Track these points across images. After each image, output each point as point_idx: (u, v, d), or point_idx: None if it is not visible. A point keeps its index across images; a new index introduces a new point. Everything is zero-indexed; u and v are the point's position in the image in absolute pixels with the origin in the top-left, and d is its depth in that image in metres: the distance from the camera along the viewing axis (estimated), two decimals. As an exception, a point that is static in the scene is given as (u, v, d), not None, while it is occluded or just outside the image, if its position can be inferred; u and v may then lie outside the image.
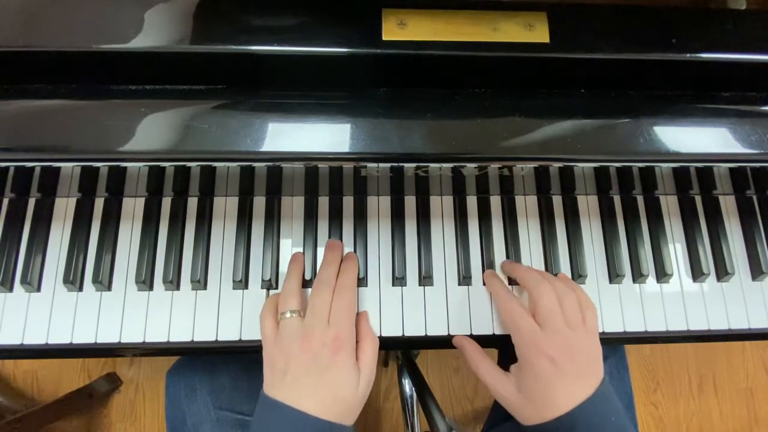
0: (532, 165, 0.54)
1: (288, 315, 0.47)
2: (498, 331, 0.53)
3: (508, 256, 0.56)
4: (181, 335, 0.52)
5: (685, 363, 1.34)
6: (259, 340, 0.49)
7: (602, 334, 0.53)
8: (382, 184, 0.56)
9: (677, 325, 0.55)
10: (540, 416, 0.44)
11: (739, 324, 0.55)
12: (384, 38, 0.41)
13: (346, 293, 0.49)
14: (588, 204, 0.58)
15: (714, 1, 0.45)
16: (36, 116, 0.42)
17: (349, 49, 0.41)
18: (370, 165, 0.51)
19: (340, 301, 0.48)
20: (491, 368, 0.49)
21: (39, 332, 0.51)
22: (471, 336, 0.53)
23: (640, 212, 0.58)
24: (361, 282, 0.54)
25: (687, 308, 0.55)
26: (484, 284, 0.55)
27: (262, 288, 0.54)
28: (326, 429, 0.43)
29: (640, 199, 0.59)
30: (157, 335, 0.52)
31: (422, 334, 0.53)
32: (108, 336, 0.52)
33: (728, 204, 0.60)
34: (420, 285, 0.55)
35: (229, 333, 0.52)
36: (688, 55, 0.42)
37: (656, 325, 0.55)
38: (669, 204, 0.59)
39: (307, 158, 0.43)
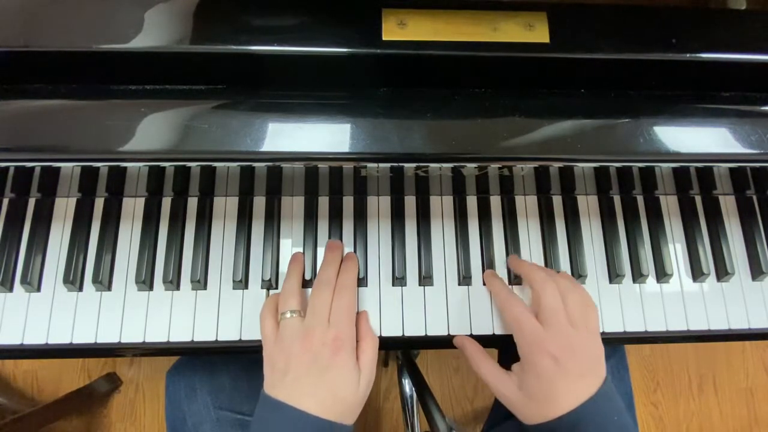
0: (532, 165, 0.54)
1: (288, 315, 0.47)
2: (498, 331, 0.53)
3: (508, 256, 0.56)
4: (181, 335, 0.52)
5: (685, 363, 1.34)
6: (259, 340, 0.49)
7: (602, 334, 0.53)
8: (382, 184, 0.56)
9: (677, 325, 0.55)
10: (542, 415, 0.44)
11: (739, 324, 0.55)
12: (384, 38, 0.41)
13: (346, 293, 0.49)
14: (588, 204, 0.58)
15: (714, 1, 0.45)
16: (36, 116, 0.42)
17: (349, 49, 0.41)
18: (370, 165, 0.51)
19: (340, 301, 0.48)
20: (492, 367, 0.49)
21: (39, 332, 0.51)
22: (471, 336, 0.53)
23: (640, 212, 0.58)
24: (361, 282, 0.54)
25: (687, 308, 0.56)
26: (484, 284, 0.55)
27: (262, 288, 0.54)
28: (327, 428, 0.43)
29: (640, 199, 0.59)
30: (157, 335, 0.52)
31: (422, 334, 0.53)
32: (108, 336, 0.52)
33: (728, 204, 0.60)
34: (420, 285, 0.55)
35: (229, 333, 0.52)
36: (688, 55, 0.42)
37: (656, 325, 0.55)
38: (669, 204, 0.59)
39: (307, 158, 0.43)
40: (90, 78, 0.43)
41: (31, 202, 0.55)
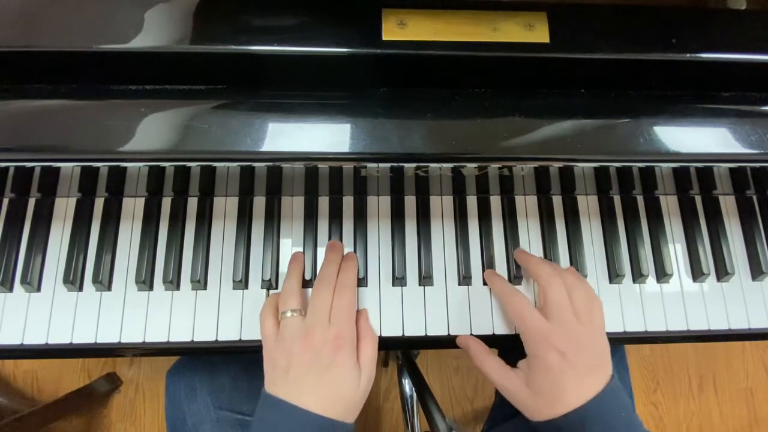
0: (532, 165, 0.54)
1: (289, 314, 0.47)
2: (498, 331, 0.53)
3: (508, 257, 0.56)
4: (181, 335, 0.52)
5: (685, 363, 1.34)
6: (259, 340, 0.49)
7: (602, 334, 0.53)
8: (382, 184, 0.56)
9: (677, 325, 0.55)
10: (550, 412, 0.44)
11: (739, 324, 0.55)
12: (384, 38, 0.41)
13: (347, 292, 0.49)
14: (588, 204, 0.58)
15: (714, 1, 0.45)
16: (36, 116, 0.42)
17: (349, 49, 0.41)
18: (370, 165, 0.51)
19: (341, 300, 0.48)
20: (498, 365, 0.49)
21: (39, 332, 0.51)
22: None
23: (640, 212, 0.58)
24: (361, 282, 0.54)
25: (687, 308, 0.55)
26: (484, 284, 0.55)
27: (262, 288, 0.54)
28: (328, 427, 0.43)
29: (640, 199, 0.59)
30: (157, 335, 0.52)
31: (422, 334, 0.53)
32: (108, 336, 0.52)
33: (728, 204, 0.60)
34: (420, 285, 0.55)
35: (229, 333, 0.52)
36: (688, 55, 0.42)
37: (656, 325, 0.55)
38: (669, 204, 0.59)
39: (307, 158, 0.43)
40: (90, 78, 0.43)
41: (31, 202, 0.55)
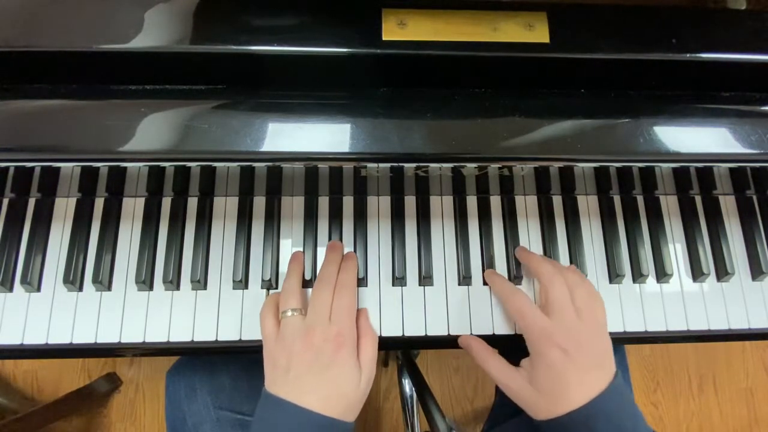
0: (532, 165, 0.54)
1: (289, 313, 0.47)
2: (498, 331, 0.53)
3: (508, 257, 0.56)
4: (181, 335, 0.52)
5: (685, 363, 1.34)
6: (259, 340, 0.49)
7: (602, 334, 0.53)
8: (382, 184, 0.56)
9: (677, 325, 0.55)
10: (553, 409, 0.44)
11: (739, 324, 0.55)
12: (384, 38, 0.41)
13: (347, 292, 0.49)
14: (588, 204, 0.58)
15: (714, 1, 0.45)
16: (36, 116, 0.42)
17: (349, 49, 0.41)
18: (370, 165, 0.51)
19: (341, 299, 0.48)
20: (500, 363, 0.49)
21: (39, 332, 0.51)
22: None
23: (640, 212, 0.58)
24: (361, 282, 0.54)
25: (687, 308, 0.56)
26: (484, 284, 0.55)
27: (262, 288, 0.54)
28: (329, 425, 0.43)
29: (640, 199, 0.59)
30: (157, 335, 0.52)
31: (422, 334, 0.53)
32: (108, 336, 0.52)
33: (728, 204, 0.60)
34: (420, 285, 0.55)
35: (229, 333, 0.52)
36: (688, 55, 0.42)
37: (656, 325, 0.55)
38: (669, 204, 0.59)
39: (307, 158, 0.43)
40: (90, 78, 0.43)
41: (31, 202, 0.55)
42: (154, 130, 0.41)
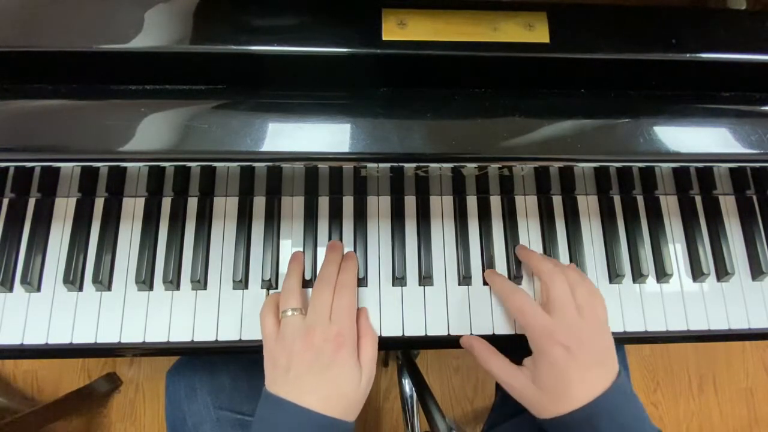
0: (532, 165, 0.54)
1: (289, 313, 0.47)
2: (498, 331, 0.53)
3: (508, 257, 0.56)
4: (181, 335, 0.52)
5: (685, 363, 1.34)
6: (259, 340, 0.49)
7: (602, 334, 0.53)
8: (382, 184, 0.56)
9: (677, 325, 0.55)
10: (556, 408, 0.44)
11: (739, 324, 0.55)
12: (384, 38, 0.41)
13: (347, 291, 0.49)
14: (588, 204, 0.58)
15: (714, 1, 0.45)
16: (36, 116, 0.42)
17: (349, 49, 0.41)
18: (370, 165, 0.51)
19: (341, 299, 0.48)
20: (503, 363, 0.49)
21: (39, 332, 0.51)
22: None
23: (640, 212, 0.58)
24: (361, 282, 0.54)
25: (687, 308, 0.56)
26: (484, 284, 0.55)
27: (262, 288, 0.54)
28: (329, 425, 0.43)
29: (640, 199, 0.59)
30: (157, 335, 0.52)
31: (422, 334, 0.53)
32: (108, 336, 0.52)
33: (728, 204, 0.60)
34: (420, 285, 0.55)
35: (229, 333, 0.52)
36: (688, 55, 0.42)
37: (656, 325, 0.55)
38: (669, 204, 0.59)
39: (307, 158, 0.43)
40: (90, 78, 0.43)
41: (31, 202, 0.55)
42: (154, 130, 0.41)
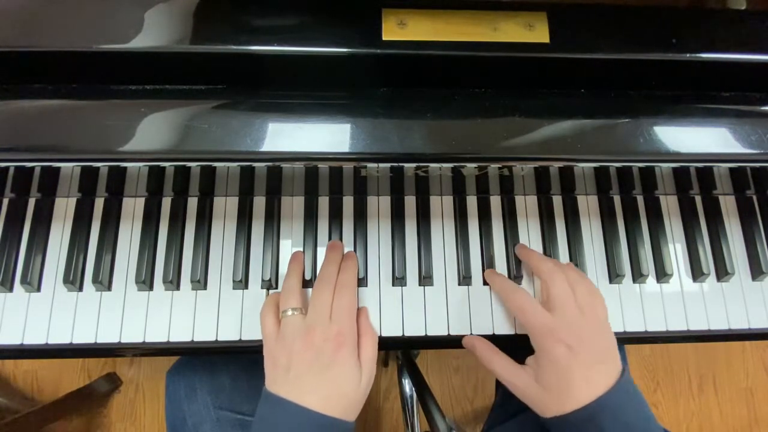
0: (532, 165, 0.54)
1: (290, 312, 0.47)
2: (498, 331, 0.53)
3: (508, 257, 0.56)
4: (181, 335, 0.52)
5: (685, 363, 1.34)
6: (259, 340, 0.49)
7: (602, 334, 0.53)
8: (382, 184, 0.56)
9: (677, 325, 0.55)
10: (560, 407, 0.43)
11: (739, 324, 0.55)
12: (384, 38, 0.41)
13: (347, 291, 0.49)
14: (588, 204, 0.58)
15: (714, 1, 0.45)
16: (36, 116, 0.42)
17: (349, 49, 0.41)
18: (370, 165, 0.51)
19: (341, 299, 0.48)
20: (506, 362, 0.49)
21: (39, 332, 0.51)
22: (471, 336, 0.53)
23: (640, 212, 0.58)
24: (361, 282, 0.54)
25: (687, 308, 0.56)
26: (484, 284, 0.55)
27: (262, 288, 0.54)
28: (329, 425, 0.43)
29: (640, 199, 0.59)
30: (157, 335, 0.52)
31: (422, 334, 0.53)
32: (108, 336, 0.52)
33: (728, 204, 0.60)
34: (420, 285, 0.55)
35: (229, 333, 0.52)
36: (688, 55, 0.42)
37: (656, 325, 0.55)
38: (669, 204, 0.59)
39: (307, 158, 0.43)
40: (90, 78, 0.43)
41: (31, 202, 0.55)
42: (154, 130, 0.41)
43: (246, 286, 0.54)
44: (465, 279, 0.54)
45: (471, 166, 0.53)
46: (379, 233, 0.56)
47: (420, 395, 0.79)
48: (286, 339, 0.46)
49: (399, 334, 0.53)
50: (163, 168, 0.54)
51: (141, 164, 0.52)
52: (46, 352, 0.52)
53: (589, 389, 0.43)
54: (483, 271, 0.55)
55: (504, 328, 0.53)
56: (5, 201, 0.55)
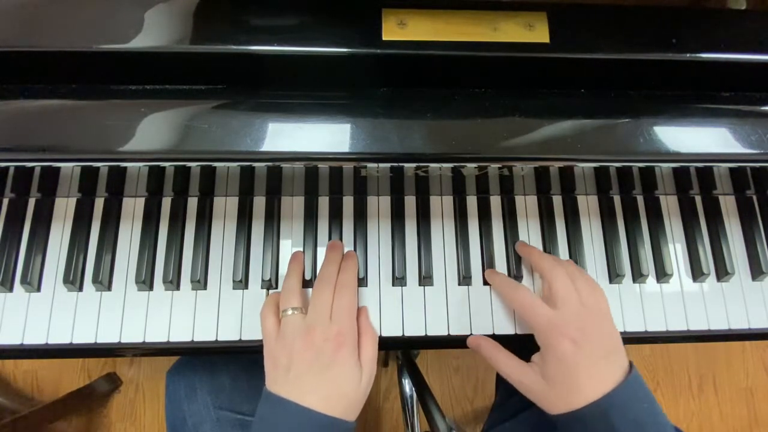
0: (532, 165, 0.54)
1: (290, 312, 0.47)
2: (498, 331, 0.53)
3: (508, 257, 0.56)
4: (181, 335, 0.52)
5: (685, 363, 1.34)
6: (260, 340, 0.49)
7: (602, 334, 0.53)
8: (382, 184, 0.56)
9: (677, 325, 0.55)
10: (567, 403, 0.43)
11: (739, 324, 0.55)
12: (384, 38, 0.41)
13: (347, 291, 0.49)
14: (588, 204, 0.58)
15: (714, 1, 0.45)
16: (36, 116, 0.42)
17: (349, 49, 0.41)
18: (370, 165, 0.51)
19: (341, 299, 0.48)
20: (512, 360, 0.49)
21: (39, 332, 0.51)
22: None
23: (640, 212, 0.58)
24: (361, 282, 0.54)
25: (687, 308, 0.56)
26: (484, 284, 0.55)
27: (262, 288, 0.54)
28: (329, 425, 0.43)
29: (640, 199, 0.59)
30: (157, 335, 0.52)
31: (422, 334, 0.53)
32: (108, 336, 0.52)
33: (728, 204, 0.60)
34: (420, 285, 0.55)
35: (229, 333, 0.52)
36: (688, 55, 0.42)
37: (656, 325, 0.55)
38: (669, 204, 0.59)
39: (307, 158, 0.43)
40: (90, 78, 0.43)
41: (31, 202, 0.55)
42: (154, 130, 0.41)
43: (246, 286, 0.54)
44: (465, 279, 0.54)
45: (471, 166, 0.53)
46: (379, 233, 0.56)
47: (420, 395, 0.79)
48: (286, 339, 0.46)
49: (399, 334, 0.53)
50: (163, 168, 0.54)
51: (141, 164, 0.52)
52: (46, 352, 0.52)
53: (597, 384, 0.43)
54: (483, 271, 0.55)
55: (504, 328, 0.53)
56: (5, 201, 0.55)
